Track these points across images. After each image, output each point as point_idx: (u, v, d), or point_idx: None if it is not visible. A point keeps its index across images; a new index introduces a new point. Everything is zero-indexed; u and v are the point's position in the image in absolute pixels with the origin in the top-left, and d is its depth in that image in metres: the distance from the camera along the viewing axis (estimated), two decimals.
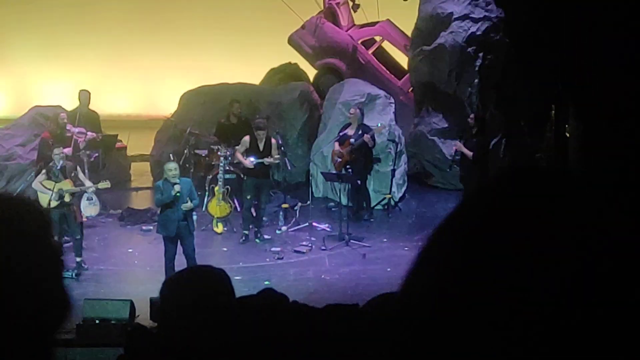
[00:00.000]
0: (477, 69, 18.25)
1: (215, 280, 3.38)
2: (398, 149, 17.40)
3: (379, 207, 17.00)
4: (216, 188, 15.67)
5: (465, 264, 1.21)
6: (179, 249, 12.80)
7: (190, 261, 12.69)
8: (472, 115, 16.19)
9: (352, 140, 16.20)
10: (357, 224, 16.04)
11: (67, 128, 16.12)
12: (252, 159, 15.25)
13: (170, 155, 17.57)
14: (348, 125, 16.58)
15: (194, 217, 14.29)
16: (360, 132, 16.26)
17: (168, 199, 12.63)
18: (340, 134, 16.49)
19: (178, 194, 12.57)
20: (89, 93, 17.40)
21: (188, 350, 3.11)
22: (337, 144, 16.38)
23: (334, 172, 16.40)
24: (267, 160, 15.26)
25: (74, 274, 13.46)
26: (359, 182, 16.24)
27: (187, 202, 12.76)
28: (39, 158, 15.86)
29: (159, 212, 13.33)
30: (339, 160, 16.31)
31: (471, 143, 15.67)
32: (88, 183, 14.04)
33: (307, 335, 2.58)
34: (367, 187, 16.81)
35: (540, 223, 1.20)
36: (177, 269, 12.67)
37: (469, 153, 15.46)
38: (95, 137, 16.68)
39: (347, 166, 16.09)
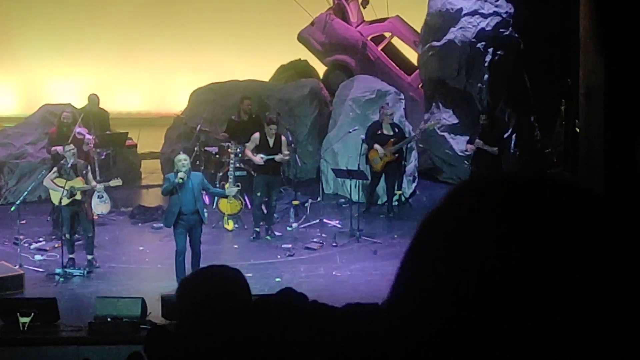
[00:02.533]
0: (486, 64, 18.22)
1: (232, 279, 3.38)
2: (408, 145, 17.40)
3: None
4: (226, 185, 15.66)
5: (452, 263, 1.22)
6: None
7: (195, 256, 12.95)
8: (483, 116, 16.24)
9: (395, 138, 16.28)
10: (367, 220, 16.04)
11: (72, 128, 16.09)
12: (261, 155, 15.25)
13: (181, 152, 17.61)
14: (378, 124, 16.51)
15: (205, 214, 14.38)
16: (397, 130, 16.36)
17: (171, 186, 12.85)
18: (376, 132, 16.40)
19: (181, 180, 12.77)
20: (98, 98, 17.45)
21: (207, 350, 3.11)
22: (378, 145, 16.28)
23: (344, 168, 16.40)
24: (277, 157, 15.26)
25: (85, 272, 13.51)
26: (369, 178, 16.29)
27: (193, 197, 12.93)
28: (48, 151, 16.28)
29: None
30: (379, 162, 16.29)
31: (490, 138, 15.82)
32: (93, 183, 14.03)
33: (328, 335, 2.58)
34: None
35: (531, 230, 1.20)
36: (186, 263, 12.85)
37: (493, 149, 15.68)
38: (94, 139, 16.57)
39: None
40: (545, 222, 1.21)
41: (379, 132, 16.39)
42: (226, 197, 15.20)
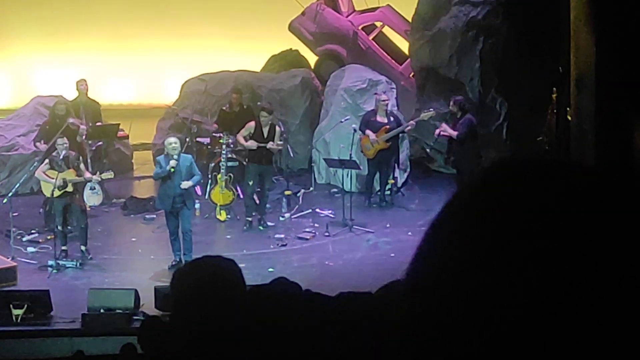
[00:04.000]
0: (477, 53, 18.22)
1: (225, 270, 3.38)
2: (400, 135, 17.38)
3: None
4: (219, 176, 15.67)
5: (466, 255, 1.21)
6: None
7: (186, 236, 13.13)
8: (452, 102, 16.04)
9: (388, 126, 16.20)
10: (360, 209, 16.03)
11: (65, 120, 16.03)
12: (253, 141, 15.23)
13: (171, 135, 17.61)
14: (372, 112, 16.45)
15: (197, 206, 14.43)
16: (392, 119, 16.31)
17: (163, 174, 13.10)
18: (370, 119, 16.33)
19: (172, 169, 12.88)
20: (86, 82, 17.39)
21: (201, 340, 3.12)
22: (370, 131, 16.22)
23: (336, 158, 16.40)
24: (269, 144, 15.21)
25: (78, 264, 13.50)
26: (360, 167, 16.29)
27: (184, 179, 13.02)
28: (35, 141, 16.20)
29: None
30: (370, 148, 16.25)
31: (454, 122, 15.64)
32: (88, 175, 14.02)
33: (322, 324, 2.58)
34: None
35: (542, 215, 1.20)
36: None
37: (453, 133, 15.40)
38: (87, 129, 16.53)
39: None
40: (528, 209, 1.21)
41: (373, 119, 16.36)
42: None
